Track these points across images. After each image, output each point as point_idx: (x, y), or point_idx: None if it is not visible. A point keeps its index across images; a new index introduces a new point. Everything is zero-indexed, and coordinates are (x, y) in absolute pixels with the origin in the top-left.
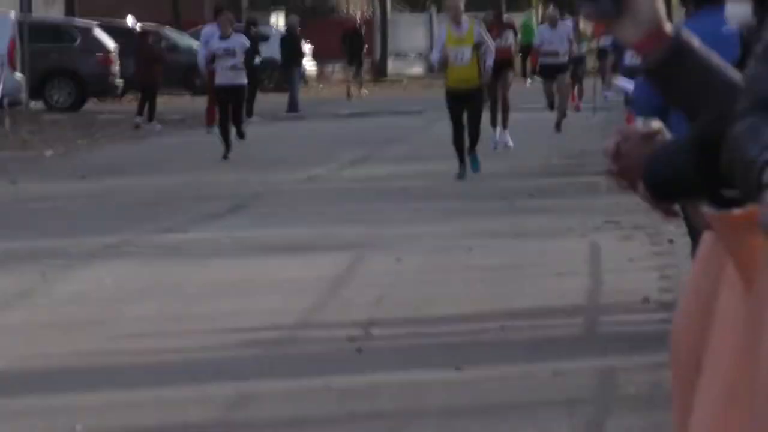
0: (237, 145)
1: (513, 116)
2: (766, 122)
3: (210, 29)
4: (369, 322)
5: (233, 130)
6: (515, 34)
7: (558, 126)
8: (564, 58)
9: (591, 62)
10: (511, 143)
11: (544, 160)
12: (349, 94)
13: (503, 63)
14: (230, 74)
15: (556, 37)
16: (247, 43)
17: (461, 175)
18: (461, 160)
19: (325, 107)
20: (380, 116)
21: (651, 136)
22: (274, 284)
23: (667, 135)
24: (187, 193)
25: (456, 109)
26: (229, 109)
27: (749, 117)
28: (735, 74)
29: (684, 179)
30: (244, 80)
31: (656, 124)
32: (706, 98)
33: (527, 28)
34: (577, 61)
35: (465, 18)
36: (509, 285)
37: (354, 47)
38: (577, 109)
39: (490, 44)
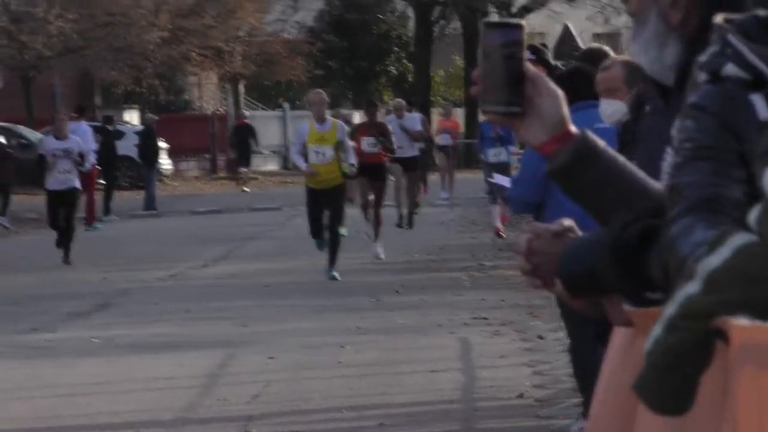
0: (96, 243)
1: None
2: (698, 222)
3: (76, 126)
4: (247, 419)
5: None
6: (384, 136)
7: (409, 221)
8: (412, 152)
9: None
10: (382, 255)
11: (407, 256)
12: (243, 188)
13: (374, 169)
14: (63, 177)
15: (402, 129)
16: (82, 144)
17: (320, 246)
18: (318, 242)
19: (181, 204)
20: (238, 213)
21: (562, 233)
22: (147, 383)
23: (578, 231)
24: (49, 292)
25: (315, 208)
26: (61, 214)
27: (682, 219)
28: (640, 173)
29: (600, 275)
30: (77, 183)
31: (567, 222)
32: (614, 199)
33: None
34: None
35: (328, 116)
36: (384, 381)
37: (243, 142)
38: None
39: (348, 145)
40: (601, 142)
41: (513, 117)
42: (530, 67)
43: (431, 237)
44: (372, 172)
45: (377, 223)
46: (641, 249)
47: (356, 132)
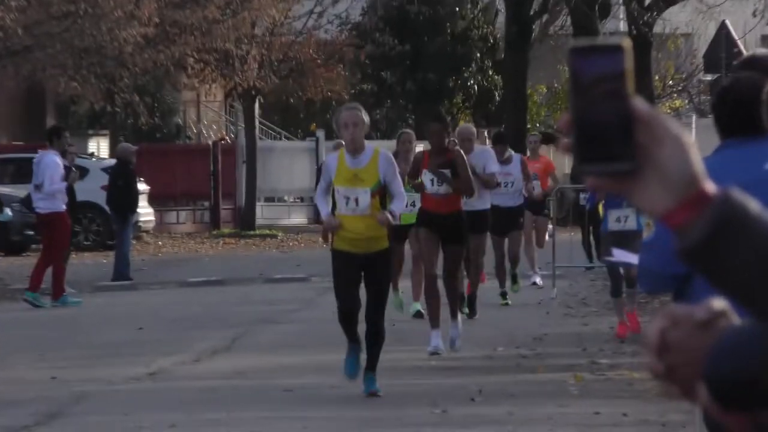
0: (45, 329)
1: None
2: None
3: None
4: None
5: None
6: (458, 169)
7: (470, 306)
8: (482, 205)
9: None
10: (458, 344)
11: (487, 350)
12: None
13: (444, 221)
14: None
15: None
16: None
17: (351, 374)
18: (354, 347)
19: (168, 272)
20: (248, 284)
21: (711, 320)
22: None
23: (733, 318)
24: None
25: (348, 281)
26: None
27: None
28: None
29: (763, 381)
30: None
31: (718, 304)
32: None
33: None
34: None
35: (369, 145)
36: None
37: None
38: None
39: (398, 188)
40: (753, 204)
41: (623, 177)
42: (642, 105)
43: (524, 323)
44: (441, 225)
45: (453, 297)
46: None
47: (418, 164)
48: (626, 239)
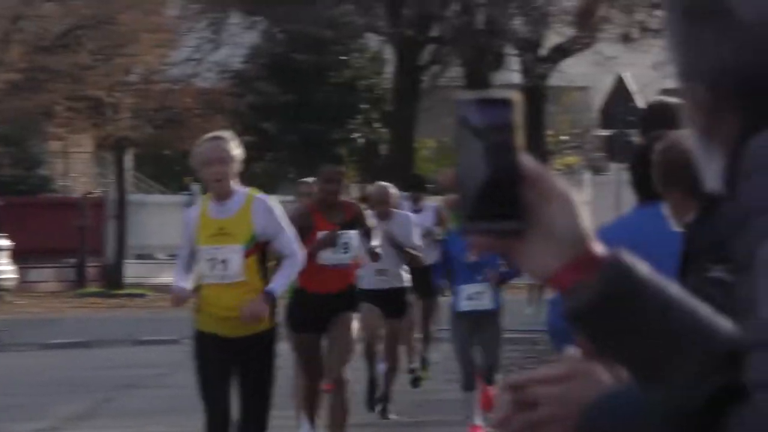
0: None
1: None
2: None
3: None
4: None
5: None
6: (362, 229)
7: (384, 408)
8: (399, 281)
9: None
10: None
11: (364, 416)
12: None
13: (338, 299)
14: None
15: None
16: None
17: None
18: None
19: (28, 333)
20: (115, 347)
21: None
22: None
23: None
24: None
25: (215, 378)
26: None
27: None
28: (701, 307)
29: None
30: None
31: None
32: (665, 349)
33: None
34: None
35: (241, 188)
36: None
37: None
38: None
39: (288, 245)
40: (642, 267)
41: (507, 236)
42: (530, 162)
43: (404, 388)
44: (334, 303)
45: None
46: (713, 420)
47: (309, 225)
48: (481, 321)
